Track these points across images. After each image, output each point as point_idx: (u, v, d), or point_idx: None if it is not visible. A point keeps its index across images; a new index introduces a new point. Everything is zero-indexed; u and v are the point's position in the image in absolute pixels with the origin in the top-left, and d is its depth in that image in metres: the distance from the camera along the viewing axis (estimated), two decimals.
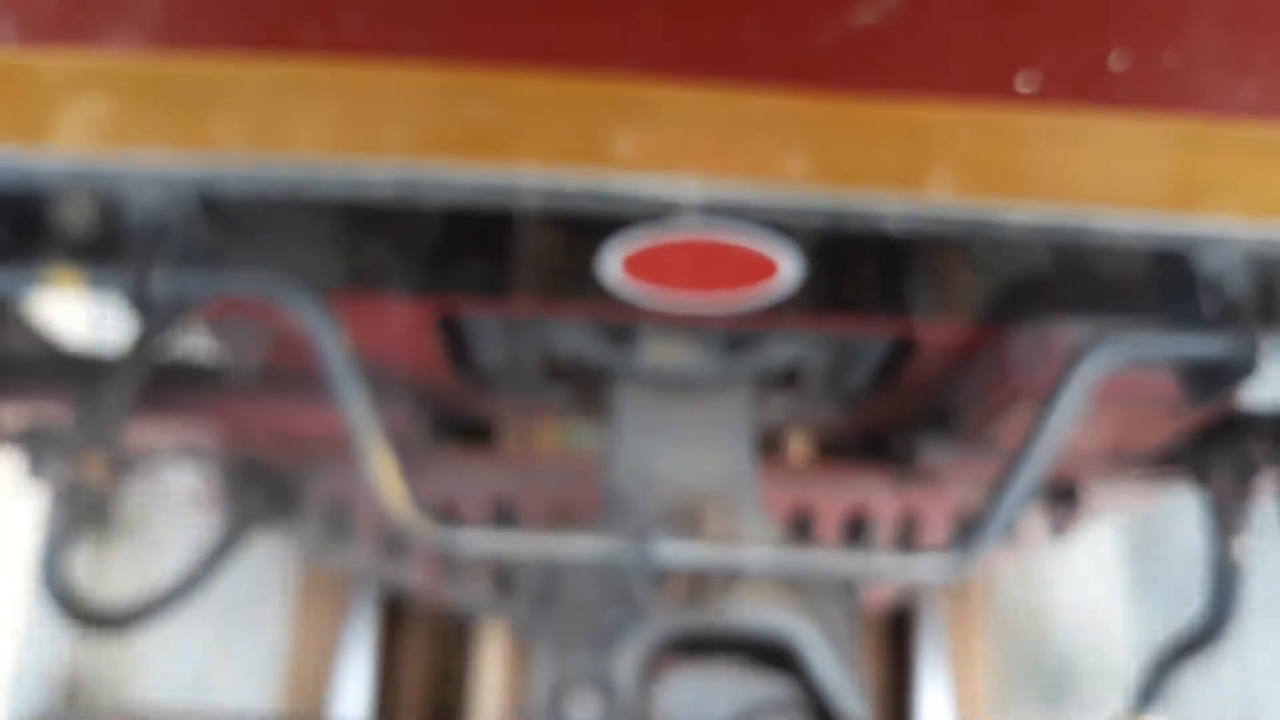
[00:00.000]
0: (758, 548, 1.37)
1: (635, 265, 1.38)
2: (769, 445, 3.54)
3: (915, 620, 3.28)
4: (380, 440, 1.26)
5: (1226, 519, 2.01)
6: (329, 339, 1.24)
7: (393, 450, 2.03)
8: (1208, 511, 2.05)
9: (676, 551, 1.33)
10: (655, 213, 1.25)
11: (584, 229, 1.29)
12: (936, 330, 1.56)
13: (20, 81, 1.06)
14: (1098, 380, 1.32)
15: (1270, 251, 1.30)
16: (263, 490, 2.26)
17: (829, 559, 1.33)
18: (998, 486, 1.30)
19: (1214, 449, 1.94)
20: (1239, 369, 1.27)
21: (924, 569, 1.32)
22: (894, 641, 3.36)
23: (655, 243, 1.31)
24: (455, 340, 1.71)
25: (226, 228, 1.31)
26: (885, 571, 1.33)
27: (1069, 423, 1.29)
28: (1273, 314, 1.46)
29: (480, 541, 1.31)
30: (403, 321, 1.59)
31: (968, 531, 1.31)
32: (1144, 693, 2.64)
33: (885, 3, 0.75)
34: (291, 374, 1.79)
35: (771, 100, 1.00)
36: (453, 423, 2.48)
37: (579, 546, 1.32)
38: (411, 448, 2.07)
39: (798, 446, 3.36)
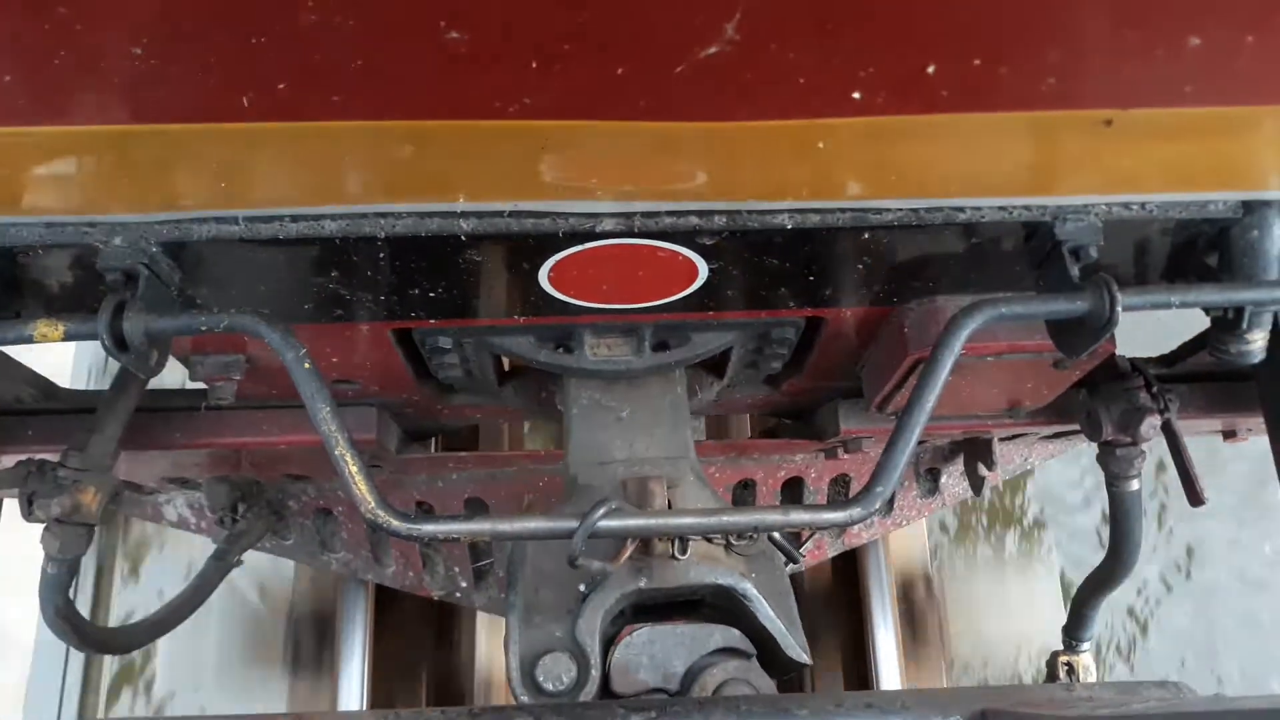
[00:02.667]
0: (695, 515, 1.44)
1: (568, 277, 1.45)
2: (718, 428, 3.62)
3: (865, 573, 3.37)
4: (350, 449, 1.31)
5: (1118, 464, 2.11)
6: (297, 364, 1.29)
7: (366, 460, 2.09)
8: (1102, 457, 2.15)
9: (623, 523, 1.40)
10: (582, 229, 1.32)
11: (520, 248, 1.35)
12: (841, 313, 1.64)
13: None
14: (974, 340, 1.39)
15: (1120, 218, 1.39)
16: (251, 509, 2.30)
17: (754, 518, 1.40)
18: (890, 443, 1.37)
19: (1101, 400, 2.03)
20: (1099, 324, 1.34)
21: (831, 521, 1.39)
22: (849, 598, 3.45)
23: (584, 255, 1.38)
24: (414, 356, 1.77)
25: (196, 272, 1.36)
26: (799, 524, 1.39)
27: (944, 381, 1.35)
28: (1127, 274, 1.55)
29: (444, 529, 1.37)
30: (366, 343, 1.65)
31: (866, 487, 1.38)
32: (1070, 630, 2.76)
33: (736, 35, 0.82)
34: (266, 398, 1.84)
35: (665, 128, 1.06)
36: (435, 431, 2.53)
37: (531, 525, 1.38)
38: (385, 457, 2.12)
39: (739, 426, 3.45)
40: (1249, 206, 1.40)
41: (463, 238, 1.31)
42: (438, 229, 1.29)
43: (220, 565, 2.23)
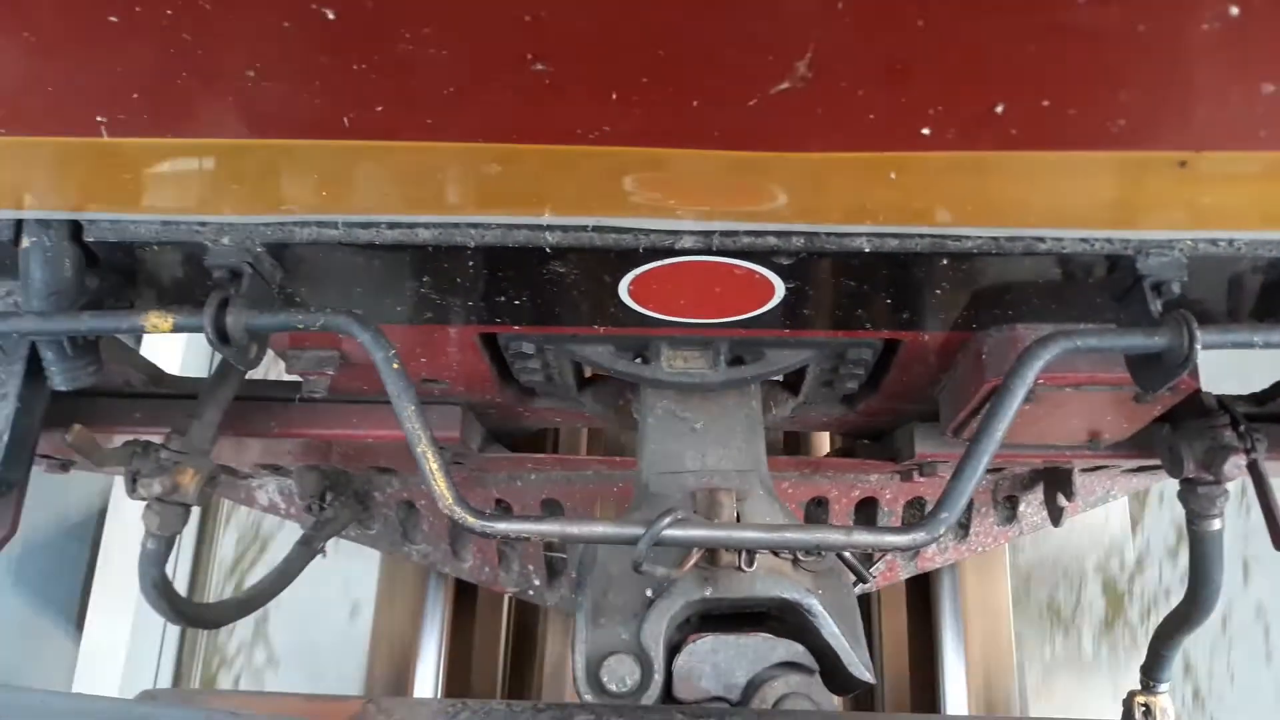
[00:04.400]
0: (759, 530, 1.45)
1: (647, 290, 1.49)
2: (794, 445, 3.61)
3: (938, 594, 3.33)
4: (431, 447, 1.36)
5: (1199, 502, 2.05)
6: (385, 364, 1.35)
7: (448, 457, 2.15)
8: (1183, 495, 2.09)
9: (688, 533, 1.42)
10: (662, 245, 1.35)
11: (601, 261, 1.40)
12: (919, 337, 1.64)
13: (122, 160, 1.19)
14: (1053, 370, 1.38)
15: (1206, 254, 1.37)
16: (338, 498, 2.39)
17: (817, 536, 1.41)
18: (959, 469, 1.37)
19: (1184, 436, 1.98)
20: (1177, 361, 1.32)
21: (894, 544, 1.39)
22: (919, 613, 3.41)
23: (663, 270, 1.42)
24: (498, 360, 1.82)
25: (296, 272, 1.43)
26: (861, 545, 1.40)
27: (1015, 410, 1.35)
28: (1213, 311, 1.52)
29: (515, 528, 1.41)
30: (453, 345, 1.71)
31: (931, 512, 1.38)
32: (1147, 670, 2.68)
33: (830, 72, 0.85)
34: (357, 393, 1.92)
35: (740, 156, 1.09)
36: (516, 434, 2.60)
37: (598, 530, 1.41)
38: (467, 455, 2.19)
39: (817, 445, 3.44)
40: None
41: (547, 249, 1.35)
42: (524, 240, 1.34)
43: (306, 550, 2.32)
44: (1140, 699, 2.76)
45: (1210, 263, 1.39)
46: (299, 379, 1.79)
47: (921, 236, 1.34)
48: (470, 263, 1.40)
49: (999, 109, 0.94)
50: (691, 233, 1.34)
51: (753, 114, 0.96)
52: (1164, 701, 2.76)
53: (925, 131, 0.97)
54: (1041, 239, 1.36)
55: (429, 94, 1.04)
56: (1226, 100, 1.00)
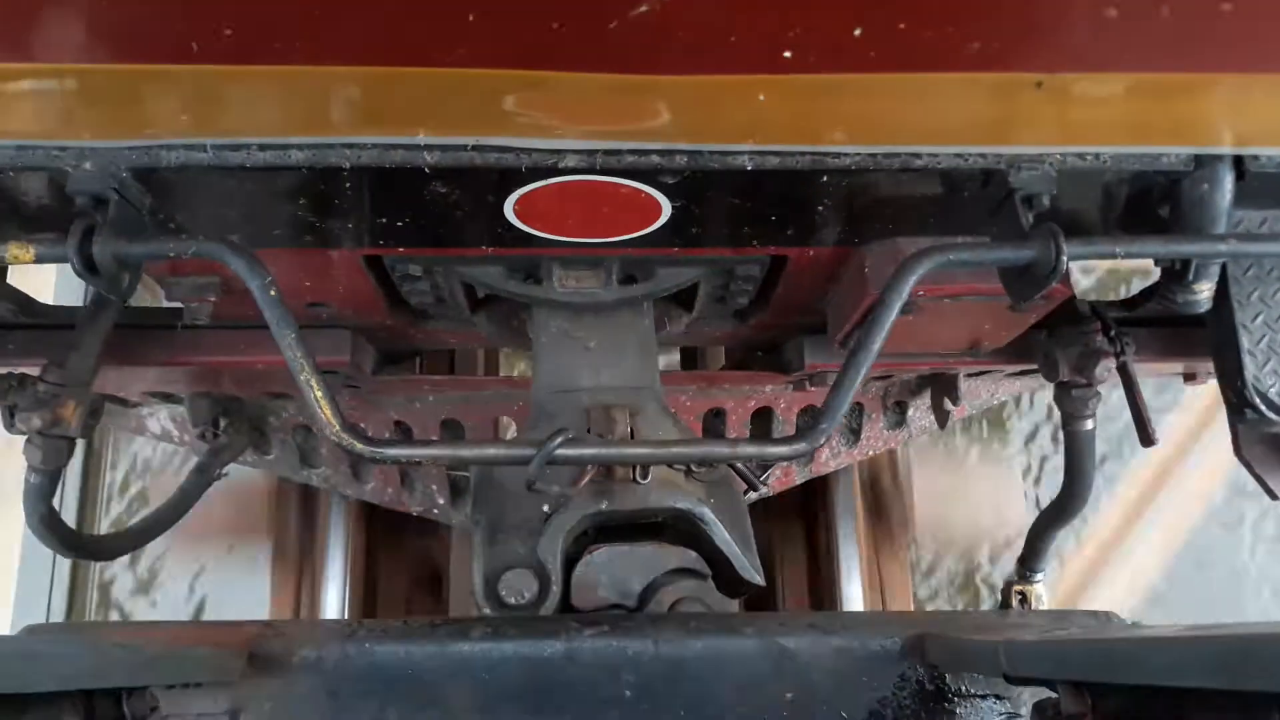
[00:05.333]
0: (646, 446, 1.48)
1: (534, 210, 1.48)
2: (692, 360, 3.66)
3: (830, 502, 3.44)
4: (315, 374, 1.35)
5: (1073, 404, 2.16)
6: (262, 291, 1.33)
7: (339, 382, 2.13)
8: (1058, 397, 2.20)
9: (578, 452, 1.45)
10: (545, 165, 1.34)
11: (484, 181, 1.38)
12: (805, 253, 1.67)
13: None
14: (931, 282, 1.42)
15: (1074, 168, 1.42)
16: (232, 424, 2.35)
17: (702, 450, 1.45)
18: (837, 381, 1.42)
19: (1059, 342, 2.08)
20: (1045, 272, 1.38)
21: (776, 455, 1.44)
22: (812, 523, 3.54)
23: (549, 190, 1.41)
24: (387, 282, 1.80)
25: (167, 197, 1.38)
26: (745, 457, 1.44)
27: (891, 322, 1.39)
28: (1082, 223, 1.58)
29: (406, 453, 1.42)
30: (338, 269, 1.68)
31: (811, 423, 1.43)
32: (1024, 560, 2.85)
33: None
34: (243, 319, 1.87)
35: (614, 79, 1.09)
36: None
37: (490, 452, 1.43)
38: (360, 378, 2.17)
39: (714, 360, 3.49)
40: (1200, 160, 1.43)
41: (427, 170, 1.33)
42: (402, 161, 1.31)
43: (201, 478, 2.28)
44: (1017, 588, 2.94)
45: (1079, 177, 1.44)
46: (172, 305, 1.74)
47: (802, 154, 1.36)
48: (348, 185, 1.37)
49: (857, 32, 0.96)
50: (574, 152, 1.33)
51: (616, 36, 0.95)
52: (1039, 590, 2.94)
53: (787, 55, 0.98)
54: (918, 155, 1.39)
55: (295, 16, 1.00)
56: (1076, 25, 1.02)
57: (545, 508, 1.65)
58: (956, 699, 1.71)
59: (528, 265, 1.73)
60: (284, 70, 1.14)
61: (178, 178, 1.32)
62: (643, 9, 0.89)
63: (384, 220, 1.49)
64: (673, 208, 1.46)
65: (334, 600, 3.07)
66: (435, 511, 2.69)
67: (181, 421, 2.46)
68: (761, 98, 1.09)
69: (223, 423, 2.35)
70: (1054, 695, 1.39)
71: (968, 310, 1.77)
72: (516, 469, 1.67)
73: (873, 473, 3.62)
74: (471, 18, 0.97)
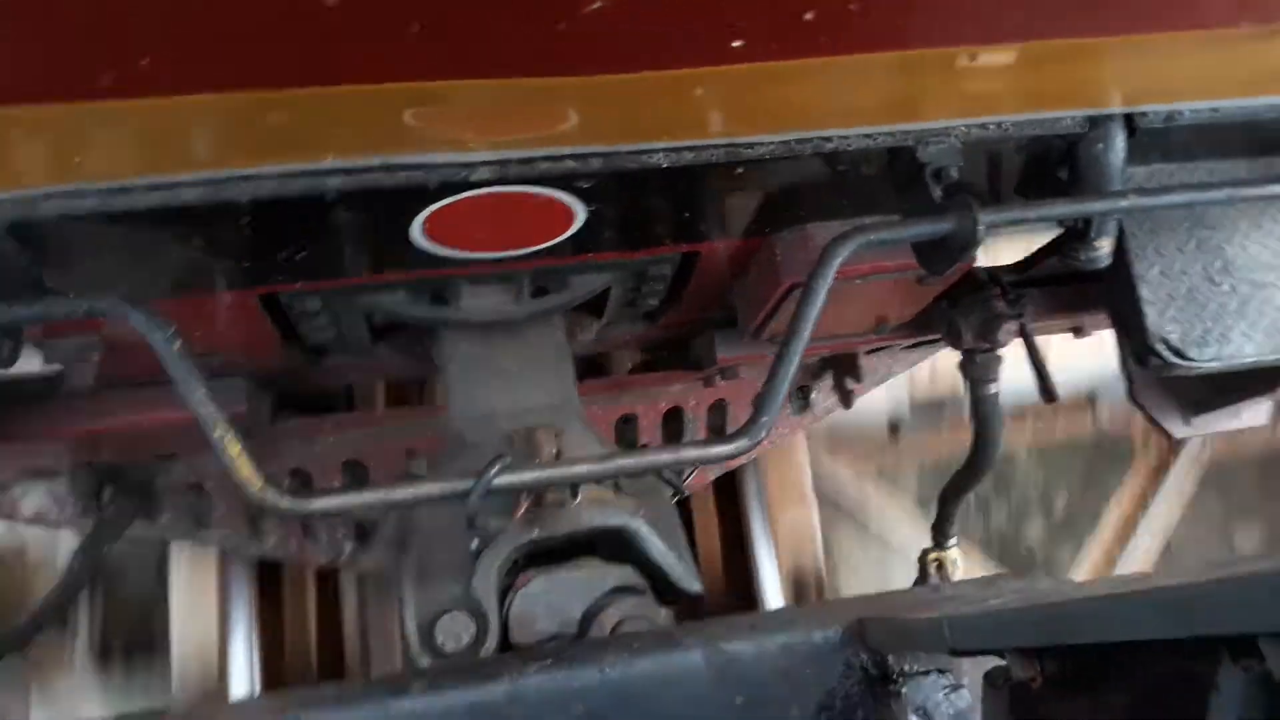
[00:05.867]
0: (590, 463, 1.44)
1: (442, 228, 1.41)
2: (596, 367, 3.63)
3: (742, 486, 3.46)
4: (230, 431, 1.26)
5: (979, 369, 2.22)
6: (165, 345, 1.23)
7: (240, 433, 2.00)
8: (964, 364, 2.26)
9: (519, 478, 1.39)
10: (455, 179, 1.29)
11: (392, 202, 1.31)
12: (716, 246, 1.66)
13: None
14: (847, 265, 1.43)
15: (978, 138, 1.45)
16: (120, 492, 2.18)
17: (647, 459, 1.42)
18: (772, 371, 1.41)
19: (961, 310, 2.13)
20: (963, 243, 1.40)
21: (721, 454, 1.42)
22: (728, 508, 3.54)
23: (459, 206, 1.35)
24: (282, 321, 1.70)
25: (47, 252, 1.26)
26: (690, 461, 1.42)
27: (820, 307, 1.39)
28: (985, 191, 1.62)
29: (335, 503, 1.33)
30: (231, 313, 1.57)
31: (751, 417, 1.41)
32: (937, 527, 2.91)
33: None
34: (130, 378, 1.74)
35: (542, 82, 1.05)
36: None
37: (425, 490, 1.36)
38: (259, 427, 2.05)
39: (620, 364, 3.46)
40: (1094, 122, 1.48)
41: (331, 196, 1.25)
42: (305, 189, 1.24)
43: (89, 557, 2.12)
44: (933, 555, 3.01)
45: (982, 147, 1.47)
46: (52, 370, 1.60)
47: (717, 147, 1.34)
48: (244, 220, 1.28)
49: (808, 15, 0.94)
50: (486, 163, 1.28)
51: (551, 38, 0.91)
52: (953, 554, 3.01)
53: (736, 44, 0.96)
54: (828, 139, 1.39)
55: (181, 40, 0.92)
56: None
57: (474, 543, 1.58)
58: (901, 679, 1.73)
59: (434, 287, 1.67)
60: (169, 102, 1.05)
61: (57, 230, 1.21)
62: (597, 5, 0.85)
63: (283, 255, 1.40)
64: (587, 213, 1.43)
65: (241, 669, 2.90)
66: (343, 560, 2.57)
67: (60, 498, 2.28)
68: (699, 91, 1.06)
69: (107, 492, 2.18)
70: (1001, 663, 1.41)
71: (876, 289, 1.79)
72: (440, 507, 1.61)
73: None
74: (370, 30, 0.91)
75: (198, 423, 1.27)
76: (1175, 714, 1.08)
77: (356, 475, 2.34)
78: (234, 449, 1.27)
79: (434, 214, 1.36)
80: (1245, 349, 1.68)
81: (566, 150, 1.29)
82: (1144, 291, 1.67)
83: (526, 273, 1.64)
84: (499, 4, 0.89)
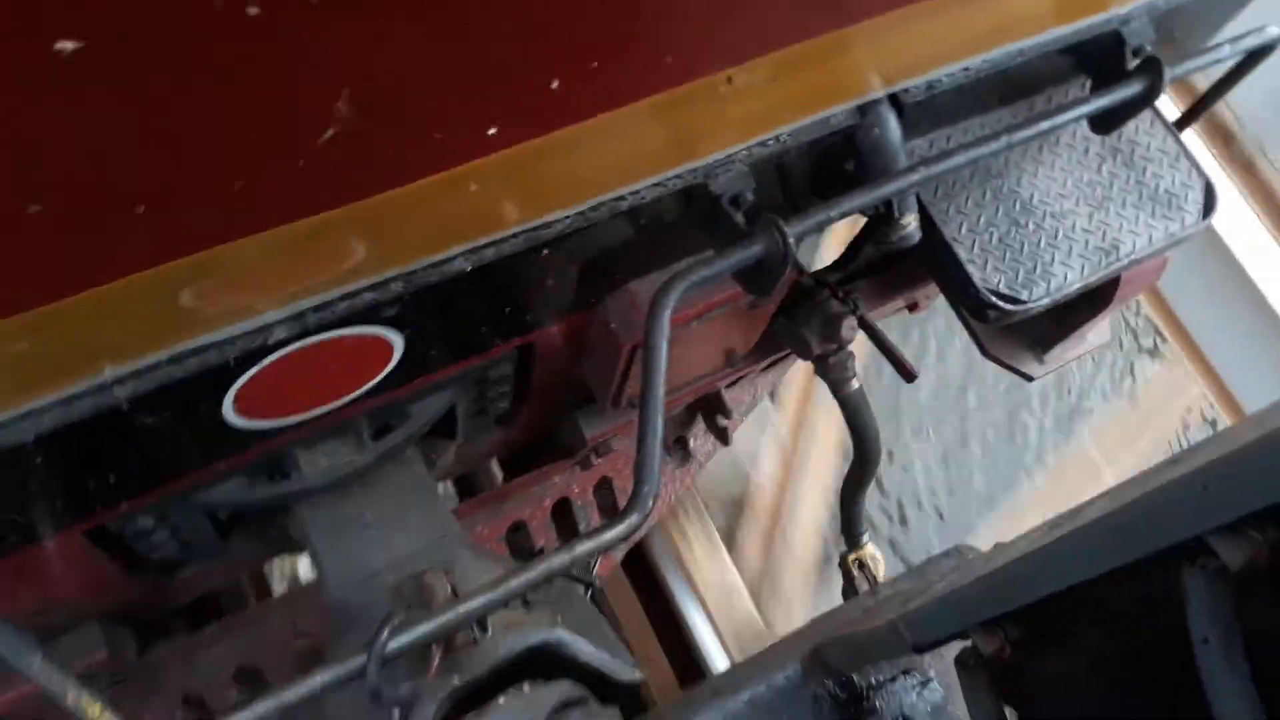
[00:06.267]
0: (487, 592, 1.36)
1: (256, 402, 1.32)
2: (469, 488, 3.52)
3: (654, 556, 3.40)
4: (78, 689, 1.12)
5: (835, 370, 2.24)
6: None
7: (105, 683, 1.83)
8: (819, 370, 2.27)
9: (418, 631, 1.30)
10: (253, 348, 1.20)
11: (191, 393, 1.22)
12: (548, 332, 1.62)
13: None
14: (679, 313, 1.41)
15: (761, 156, 1.46)
16: None
17: (543, 568, 1.35)
18: (640, 438, 1.36)
19: (800, 321, 2.14)
20: (779, 261, 1.40)
21: (616, 537, 1.37)
22: (646, 583, 3.47)
23: (266, 374, 1.27)
24: (120, 548, 1.56)
25: None
26: (587, 553, 1.36)
27: (666, 361, 1.36)
28: (781, 202, 1.64)
29: None
30: (57, 559, 1.43)
31: (634, 490, 1.36)
32: (846, 530, 2.92)
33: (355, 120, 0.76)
34: None
35: (309, 223, 0.98)
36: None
37: (320, 679, 1.25)
38: (128, 666, 1.87)
39: (490, 476, 3.37)
40: (863, 110, 1.52)
41: (124, 406, 1.15)
42: (93, 408, 1.13)
43: None
44: (852, 557, 3.01)
45: (769, 163, 1.49)
46: None
47: (514, 236, 1.30)
48: (40, 459, 1.16)
49: (554, 85, 0.92)
50: (280, 322, 1.20)
51: (308, 173, 0.85)
52: (870, 550, 3.02)
53: (491, 131, 0.92)
54: (621, 198, 1.38)
55: None
56: (747, 11, 1.04)
57: (395, 714, 1.47)
58: (871, 692, 1.70)
59: (269, 463, 1.56)
60: None
61: None
62: (331, 132, 0.80)
63: (94, 483, 1.28)
64: (404, 339, 1.36)
65: None
66: None
67: None
68: (473, 187, 1.02)
69: None
70: (966, 643, 1.40)
71: (715, 326, 1.78)
72: (348, 689, 1.49)
73: None
74: (100, 223, 0.83)
75: (47, 695, 1.14)
76: (1148, 633, 1.08)
77: (253, 680, 2.17)
78: (94, 710, 1.13)
79: (242, 390, 1.27)
80: (1068, 277, 1.74)
81: (362, 283, 1.23)
82: (961, 253, 1.72)
83: (362, 417, 1.56)
84: (228, 156, 0.83)
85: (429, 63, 0.83)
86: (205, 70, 0.71)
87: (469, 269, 1.28)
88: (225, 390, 1.25)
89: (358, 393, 1.44)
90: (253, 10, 0.65)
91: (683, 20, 1.08)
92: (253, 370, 1.24)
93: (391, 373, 1.42)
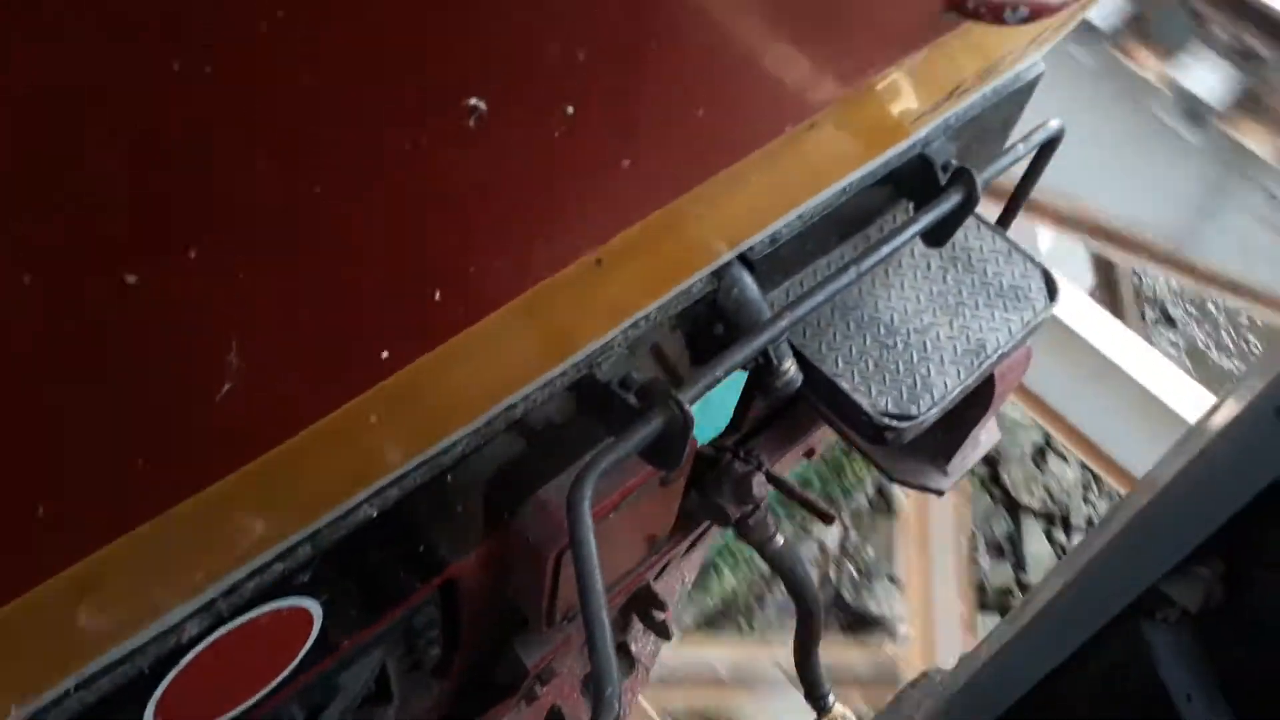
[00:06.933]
0: None
1: (179, 709, 1.23)
2: None
3: None
4: None
5: (757, 531, 2.24)
6: None
7: None
8: (741, 534, 2.27)
9: None
10: (168, 649, 1.13)
11: (108, 711, 1.13)
12: (466, 562, 1.58)
13: None
14: (597, 506, 1.40)
15: (635, 337, 1.51)
16: None
17: None
18: (591, 646, 1.33)
19: (710, 490, 2.16)
20: (679, 431, 1.42)
21: None
22: None
23: (186, 675, 1.19)
24: None
25: None
26: None
27: (596, 557, 1.34)
28: (667, 371, 1.68)
29: None
30: None
31: (595, 703, 1.31)
32: (809, 694, 2.84)
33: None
34: None
35: (202, 500, 0.95)
36: None
37: None
38: None
39: None
40: (718, 275, 1.60)
41: None
42: None
43: None
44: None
45: (646, 341, 1.53)
46: None
47: (417, 469, 1.29)
48: None
49: (437, 296, 0.94)
50: (192, 615, 1.14)
51: (203, 438, 0.83)
52: (839, 711, 2.94)
53: (385, 355, 0.93)
54: (513, 405, 1.39)
55: None
56: (593, 194, 1.10)
57: None
58: None
59: None
60: None
61: None
62: (227, 387, 0.78)
63: None
64: (321, 605, 1.31)
65: None
66: None
67: None
68: (373, 419, 1.01)
69: None
70: None
71: (633, 513, 1.77)
72: None
73: None
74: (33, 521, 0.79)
75: None
76: (1132, 693, 1.08)
77: None
78: None
79: (162, 699, 1.19)
80: (948, 384, 1.82)
81: (269, 554, 1.19)
82: (844, 385, 1.78)
83: (291, 699, 1.47)
84: (117, 436, 0.80)
85: (316, 297, 0.84)
86: (87, 348, 0.70)
87: (375, 514, 1.26)
88: (144, 703, 1.16)
89: (284, 674, 1.36)
90: (130, 279, 0.65)
91: (548, 208, 1.12)
92: (170, 675, 1.16)
93: (315, 643, 1.36)
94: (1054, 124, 1.92)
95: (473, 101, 0.78)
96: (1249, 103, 6.28)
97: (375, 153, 0.79)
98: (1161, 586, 1.02)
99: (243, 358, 0.77)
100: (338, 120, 0.75)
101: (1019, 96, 2.04)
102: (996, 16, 1.26)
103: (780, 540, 2.25)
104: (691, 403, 1.45)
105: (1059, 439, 5.36)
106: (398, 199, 0.83)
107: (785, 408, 2.21)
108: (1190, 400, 4.74)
